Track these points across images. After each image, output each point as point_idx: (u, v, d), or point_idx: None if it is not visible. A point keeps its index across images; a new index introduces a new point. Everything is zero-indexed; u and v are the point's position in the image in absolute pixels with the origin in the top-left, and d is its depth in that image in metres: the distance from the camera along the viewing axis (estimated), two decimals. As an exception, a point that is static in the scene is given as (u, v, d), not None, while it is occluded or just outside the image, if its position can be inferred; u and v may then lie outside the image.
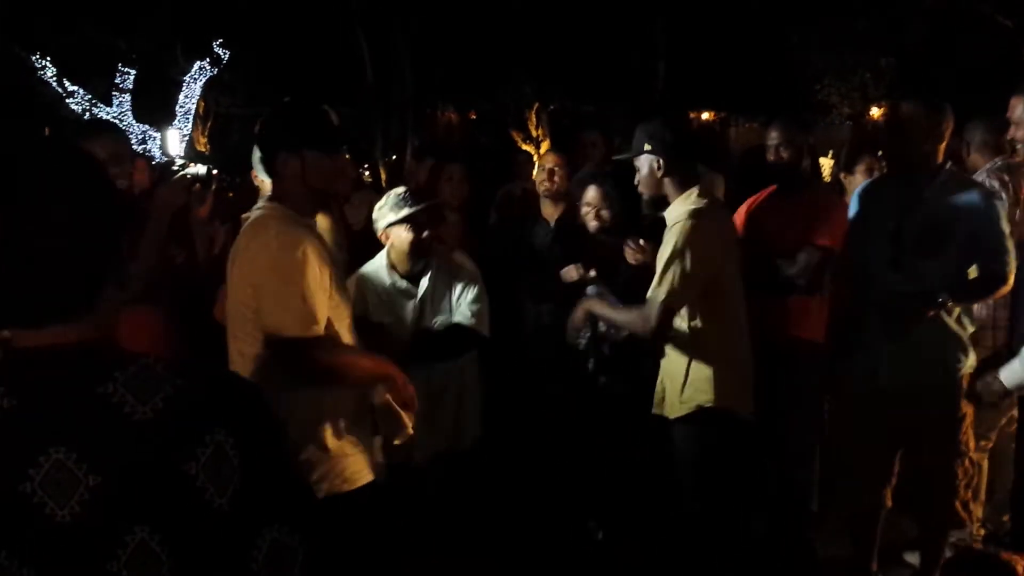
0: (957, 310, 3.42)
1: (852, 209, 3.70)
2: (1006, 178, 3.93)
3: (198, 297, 3.48)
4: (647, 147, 3.27)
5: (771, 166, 4.08)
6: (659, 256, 3.21)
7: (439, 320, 3.56)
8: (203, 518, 1.13)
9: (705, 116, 20.93)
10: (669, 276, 3.13)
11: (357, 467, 2.58)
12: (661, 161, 3.25)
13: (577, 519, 3.94)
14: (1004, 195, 3.84)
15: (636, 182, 3.37)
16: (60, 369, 1.16)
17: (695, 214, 3.17)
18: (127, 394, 1.14)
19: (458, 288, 3.60)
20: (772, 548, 4.01)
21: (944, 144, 3.41)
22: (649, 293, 3.18)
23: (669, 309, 3.16)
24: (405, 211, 3.48)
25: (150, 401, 1.14)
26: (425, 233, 3.50)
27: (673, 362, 3.33)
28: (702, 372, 3.25)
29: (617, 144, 6.81)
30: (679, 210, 3.22)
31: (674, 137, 3.26)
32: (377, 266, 3.61)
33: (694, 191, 3.24)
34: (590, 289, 3.77)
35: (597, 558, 3.86)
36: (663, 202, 3.35)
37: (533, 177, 4.59)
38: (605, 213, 3.91)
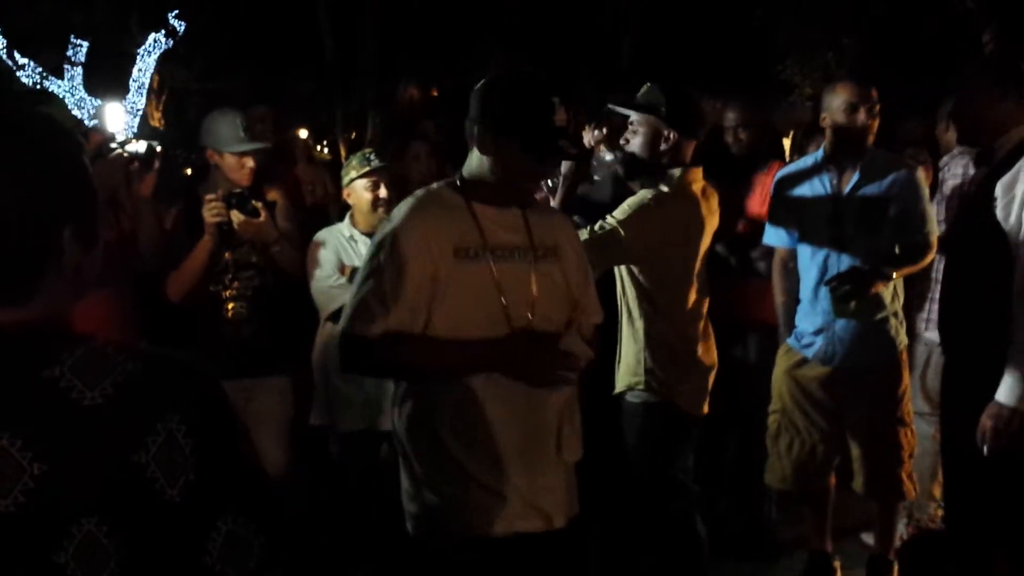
0: (893, 284, 3.52)
1: (777, 191, 3.69)
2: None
3: (142, 278, 3.40)
4: (664, 110, 3.10)
5: (729, 147, 4.07)
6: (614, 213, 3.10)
7: None
8: (153, 509, 1.09)
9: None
10: (598, 232, 3.02)
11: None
12: (674, 134, 3.11)
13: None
14: (971, 173, 3.87)
15: (624, 140, 3.21)
16: (3, 352, 1.09)
17: (661, 197, 3.09)
18: (75, 378, 1.08)
19: None
20: (731, 528, 4.02)
21: (875, 123, 3.48)
22: (584, 231, 3.01)
23: (590, 244, 2.92)
24: (366, 168, 3.56)
25: (99, 386, 1.08)
26: (383, 190, 3.55)
27: (620, 340, 3.29)
28: (631, 354, 3.21)
29: (582, 120, 6.75)
30: (655, 183, 3.13)
31: (693, 119, 3.17)
32: (338, 227, 3.68)
33: (678, 172, 3.13)
34: None
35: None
36: (639, 168, 3.19)
37: None
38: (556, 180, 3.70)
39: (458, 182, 2.34)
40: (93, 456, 1.07)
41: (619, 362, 3.27)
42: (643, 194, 3.12)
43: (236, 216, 3.33)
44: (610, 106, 3.42)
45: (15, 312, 1.12)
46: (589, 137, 3.94)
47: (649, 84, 3.20)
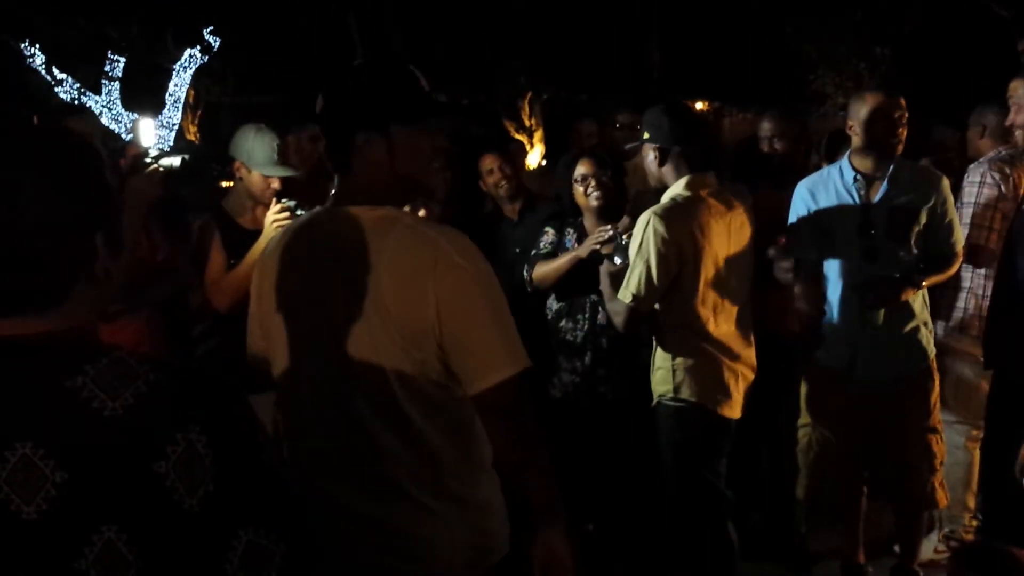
0: (921, 293, 3.49)
1: (801, 203, 3.64)
2: (1007, 170, 3.93)
3: (176, 296, 3.45)
4: (646, 135, 3.24)
5: (765, 158, 4.05)
6: (632, 252, 3.18)
7: None
8: (172, 519, 1.10)
9: (699, 106, 20.90)
10: (635, 279, 3.12)
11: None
12: (657, 151, 3.21)
13: (570, 514, 3.89)
14: (1003, 187, 3.83)
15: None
16: (28, 361, 1.12)
17: (661, 213, 3.12)
18: (96, 388, 1.10)
19: None
20: (764, 541, 4.00)
21: (903, 131, 3.44)
22: (619, 292, 3.17)
23: (635, 311, 3.15)
24: None
25: (120, 396, 1.10)
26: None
27: (653, 352, 3.34)
28: (662, 363, 3.26)
29: (610, 133, 6.77)
30: (660, 202, 3.20)
31: (671, 124, 3.20)
32: None
33: (683, 181, 3.18)
34: (607, 262, 3.45)
35: (590, 552, 3.83)
36: (665, 190, 3.29)
37: (490, 181, 4.47)
38: (605, 178, 3.72)
39: None
40: (113, 465, 1.08)
41: (654, 371, 3.30)
42: (644, 221, 3.14)
43: None
44: (626, 147, 3.50)
45: (40, 321, 1.14)
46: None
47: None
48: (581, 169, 3.74)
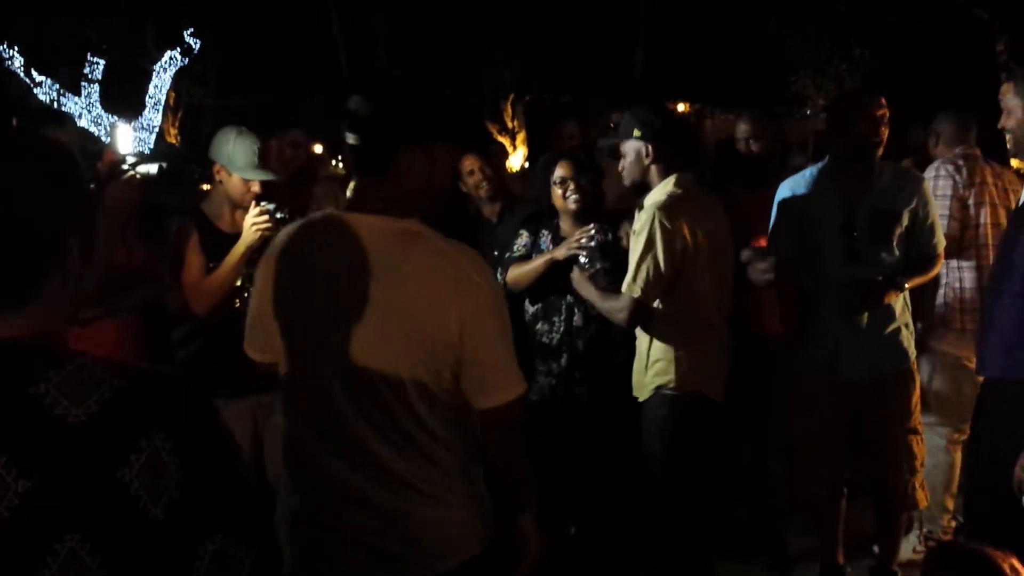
0: (903, 295, 3.53)
1: (784, 202, 3.66)
2: (960, 163, 4.04)
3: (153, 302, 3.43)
4: (636, 133, 3.27)
5: (743, 159, 4.07)
6: (632, 247, 3.22)
7: None
8: (137, 527, 1.09)
9: (680, 108, 20.98)
10: (643, 272, 3.17)
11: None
12: (650, 148, 3.25)
13: (551, 517, 3.89)
14: (956, 177, 3.96)
15: (620, 168, 3.36)
16: None
17: (664, 206, 3.17)
18: (60, 395, 1.09)
19: None
20: (743, 539, 4.02)
21: (885, 130, 3.46)
22: (624, 287, 3.21)
23: (642, 304, 3.20)
24: None
25: (84, 403, 1.09)
26: None
27: (640, 345, 3.37)
28: (663, 355, 3.28)
29: (593, 135, 6.78)
30: (654, 198, 3.24)
31: (663, 123, 3.27)
32: None
33: (672, 179, 3.25)
34: (577, 269, 3.53)
35: (571, 555, 3.83)
36: (644, 189, 3.33)
37: (470, 182, 4.45)
38: (584, 182, 3.68)
39: None
40: (76, 473, 1.07)
41: (650, 364, 3.32)
42: (647, 217, 3.18)
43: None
44: (600, 142, 3.52)
45: (11, 320, 1.13)
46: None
47: (626, 112, 3.35)
48: (560, 172, 3.71)
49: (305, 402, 2.00)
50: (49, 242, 1.16)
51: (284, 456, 2.06)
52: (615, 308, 3.28)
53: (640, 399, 3.39)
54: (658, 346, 3.30)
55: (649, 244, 3.15)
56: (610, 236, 3.65)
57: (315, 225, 2.05)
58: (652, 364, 3.32)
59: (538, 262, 3.66)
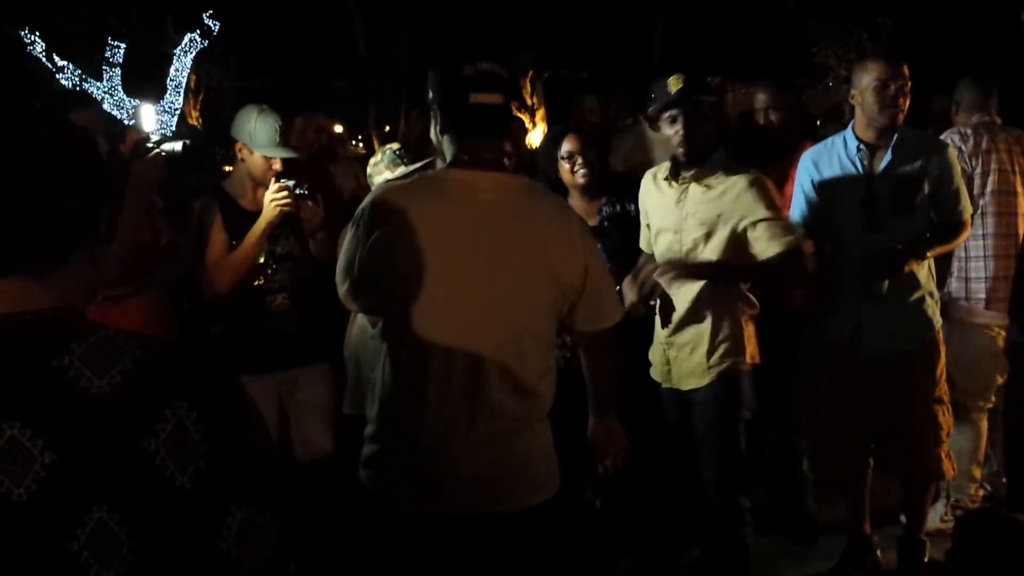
0: (927, 264, 3.49)
1: (806, 173, 3.63)
2: (967, 131, 4.01)
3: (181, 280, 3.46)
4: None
5: (761, 130, 4.05)
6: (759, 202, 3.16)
7: None
8: (164, 497, 1.09)
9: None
10: (790, 220, 3.26)
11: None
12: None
13: (574, 489, 3.90)
14: (962, 147, 3.93)
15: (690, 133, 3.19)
16: (16, 340, 1.11)
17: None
18: (83, 367, 1.09)
19: None
20: (770, 512, 4.02)
21: (907, 101, 3.42)
22: (782, 240, 3.15)
23: (798, 246, 3.21)
24: (401, 169, 3.46)
25: (107, 374, 1.09)
26: None
27: (701, 328, 3.27)
28: (734, 332, 3.25)
29: (614, 110, 6.75)
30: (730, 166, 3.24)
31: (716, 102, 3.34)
32: None
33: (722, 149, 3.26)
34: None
35: (596, 528, 3.84)
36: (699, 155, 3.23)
37: (528, 145, 4.47)
38: (591, 156, 3.63)
39: None
40: (102, 444, 1.07)
41: (716, 343, 3.26)
42: (750, 177, 3.19)
43: (304, 204, 3.37)
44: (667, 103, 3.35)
45: (35, 288, 1.14)
46: None
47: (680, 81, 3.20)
48: (567, 146, 3.66)
49: (432, 349, 2.12)
50: (71, 215, 1.17)
51: (391, 402, 2.19)
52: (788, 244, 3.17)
53: (694, 386, 3.31)
54: (728, 323, 3.25)
55: (771, 202, 3.19)
56: (618, 208, 3.64)
57: (434, 181, 2.26)
58: (720, 344, 3.26)
59: None
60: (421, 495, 2.16)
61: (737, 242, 3.18)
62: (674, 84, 3.17)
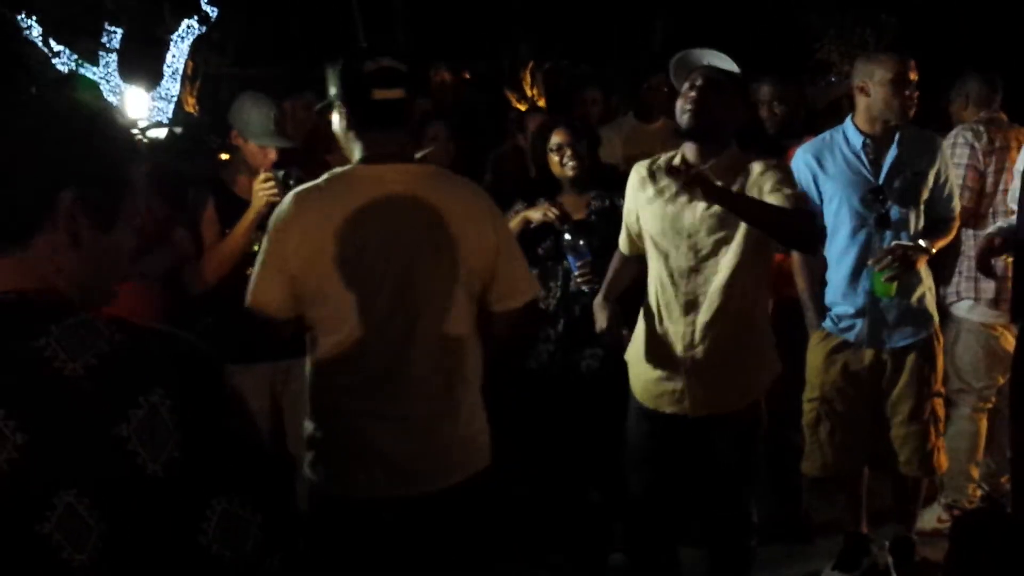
0: (926, 259, 3.47)
1: (806, 169, 3.56)
2: (980, 128, 3.99)
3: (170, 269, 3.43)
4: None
5: (764, 123, 4.04)
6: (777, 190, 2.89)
7: None
8: (135, 484, 1.07)
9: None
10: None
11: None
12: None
13: (574, 485, 3.87)
14: (975, 144, 3.93)
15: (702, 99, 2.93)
16: None
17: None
18: (60, 349, 1.08)
19: None
20: (766, 511, 3.99)
21: (915, 96, 3.41)
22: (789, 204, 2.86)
23: None
24: None
25: (83, 357, 1.08)
26: None
27: (749, 341, 3.06)
28: (771, 347, 3.14)
29: (615, 102, 6.69)
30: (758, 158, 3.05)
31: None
32: None
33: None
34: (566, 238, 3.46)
35: (596, 522, 3.82)
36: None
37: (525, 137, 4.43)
38: (580, 148, 3.58)
39: None
40: (74, 428, 1.06)
41: (760, 365, 3.13)
42: (781, 166, 3.08)
43: None
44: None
45: (13, 267, 1.13)
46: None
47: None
48: (556, 138, 3.61)
49: (351, 341, 2.18)
50: (38, 192, 1.15)
51: (315, 394, 2.29)
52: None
53: (729, 410, 3.08)
54: (769, 338, 3.13)
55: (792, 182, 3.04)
56: (607, 203, 3.60)
57: (342, 179, 2.24)
58: (767, 362, 3.13)
59: (512, 222, 3.51)
60: (348, 478, 2.25)
61: (758, 241, 2.90)
62: (705, 56, 3.01)
